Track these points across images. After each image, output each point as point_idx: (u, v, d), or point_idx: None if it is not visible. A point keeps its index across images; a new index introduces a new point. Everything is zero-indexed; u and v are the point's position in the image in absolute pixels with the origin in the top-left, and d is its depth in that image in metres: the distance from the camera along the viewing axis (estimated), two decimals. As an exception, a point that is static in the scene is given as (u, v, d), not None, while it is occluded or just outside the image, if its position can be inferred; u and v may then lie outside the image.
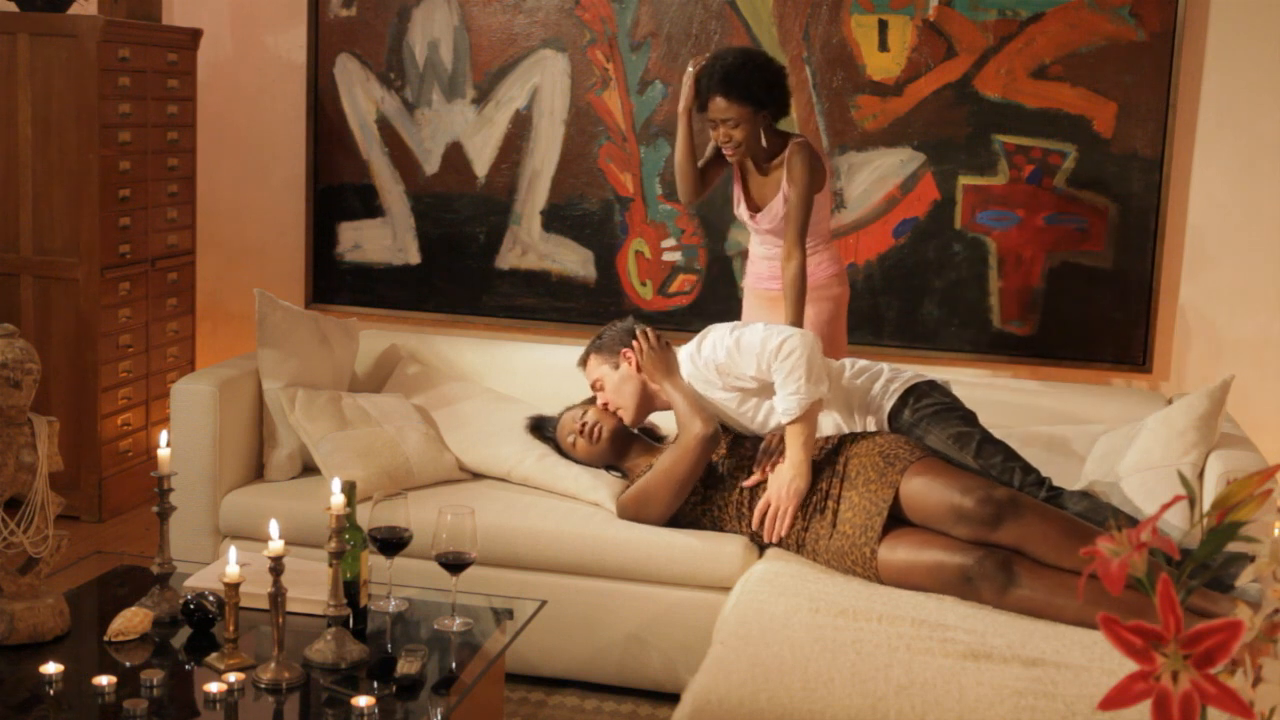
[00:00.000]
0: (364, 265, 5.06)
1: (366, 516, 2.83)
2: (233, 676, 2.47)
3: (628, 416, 3.61)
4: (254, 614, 2.68)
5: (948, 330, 4.60)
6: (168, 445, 2.80)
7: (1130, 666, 1.10)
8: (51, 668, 2.45)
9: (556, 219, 4.87)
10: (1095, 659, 2.64)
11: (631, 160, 4.77)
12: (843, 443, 3.35)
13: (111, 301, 4.60)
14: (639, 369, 3.57)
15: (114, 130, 4.55)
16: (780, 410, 3.31)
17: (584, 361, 3.68)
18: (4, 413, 2.58)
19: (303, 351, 3.84)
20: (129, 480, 4.72)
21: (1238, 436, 3.46)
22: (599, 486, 3.57)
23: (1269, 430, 4.34)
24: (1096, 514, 3.11)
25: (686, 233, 4.76)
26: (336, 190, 5.06)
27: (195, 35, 4.93)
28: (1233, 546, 1.25)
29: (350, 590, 2.70)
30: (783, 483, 3.27)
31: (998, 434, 3.36)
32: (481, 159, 4.91)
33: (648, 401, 3.61)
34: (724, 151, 3.78)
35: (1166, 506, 1.28)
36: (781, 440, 3.34)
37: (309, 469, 3.78)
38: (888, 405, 3.40)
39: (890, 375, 3.48)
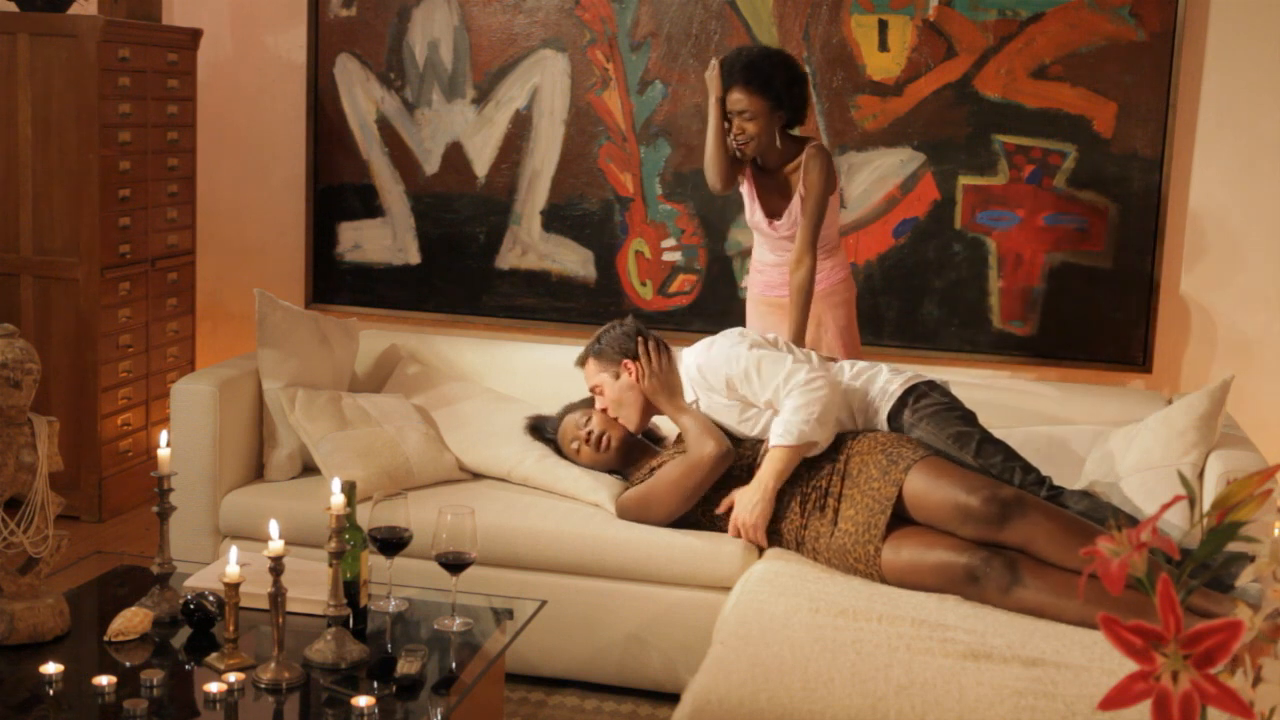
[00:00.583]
0: (364, 265, 5.06)
1: (366, 516, 2.83)
2: (233, 676, 2.47)
3: (631, 424, 3.60)
4: (254, 614, 2.68)
5: (948, 330, 4.60)
6: (168, 445, 2.80)
7: (1130, 666, 1.10)
8: (51, 668, 2.45)
9: (556, 219, 4.87)
10: (1095, 659, 2.64)
11: (631, 160, 4.77)
12: (844, 440, 3.35)
13: (111, 301, 4.60)
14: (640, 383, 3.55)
15: (114, 130, 4.55)
16: (778, 431, 3.28)
17: (582, 362, 3.65)
18: (4, 413, 2.58)
19: (303, 351, 3.84)
20: (129, 480, 4.72)
21: (1238, 436, 3.46)
22: (599, 487, 3.57)
23: (1269, 430, 4.34)
24: (1097, 514, 3.11)
25: (686, 233, 4.76)
26: (336, 190, 5.06)
27: (195, 35, 4.93)
28: (1233, 546, 1.25)
29: (350, 590, 2.70)
30: (747, 506, 3.29)
31: (998, 434, 3.36)
32: (481, 159, 4.91)
33: (650, 409, 3.60)
34: (736, 145, 3.76)
35: (1166, 506, 1.28)
36: None
37: (309, 469, 3.78)
38: (887, 405, 3.40)
39: (890, 375, 3.47)
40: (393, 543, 2.81)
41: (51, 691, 2.44)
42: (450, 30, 4.87)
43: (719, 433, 3.38)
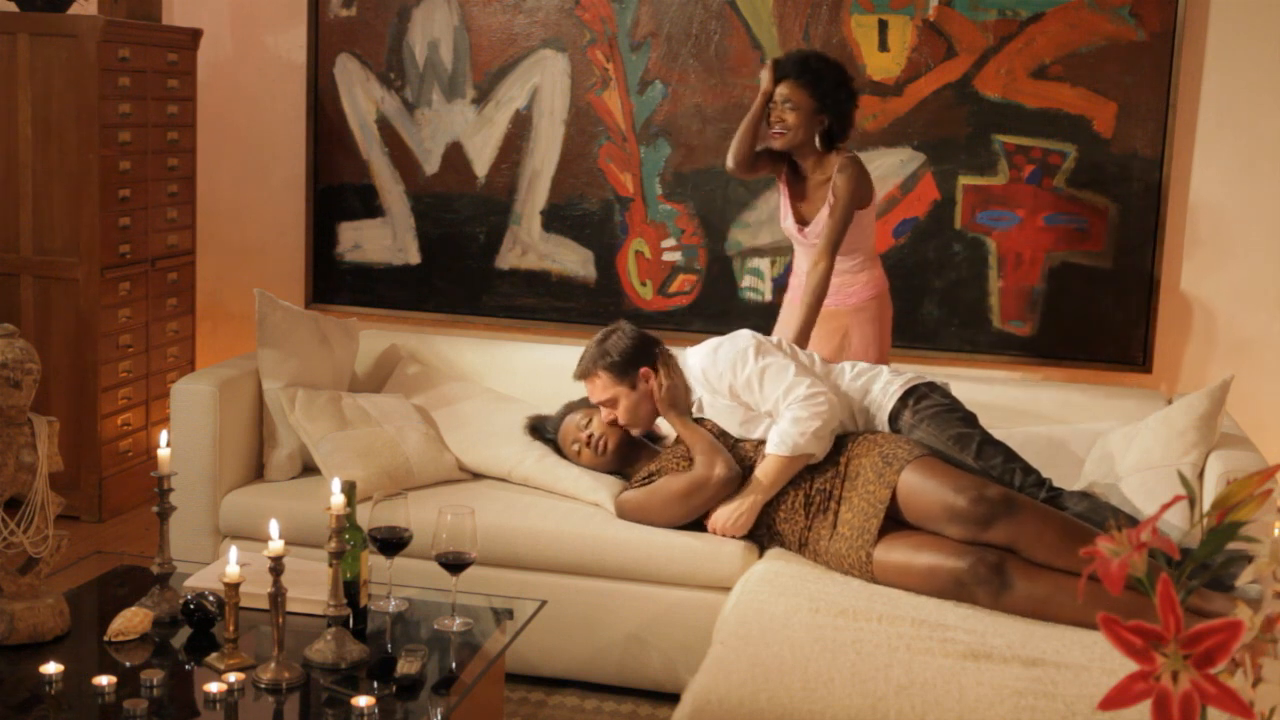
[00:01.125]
0: (364, 265, 5.06)
1: (366, 516, 2.83)
2: (233, 676, 2.47)
3: (639, 431, 3.61)
4: (254, 614, 2.68)
5: (948, 330, 4.60)
6: (168, 445, 2.80)
7: (1130, 666, 1.10)
8: (51, 668, 2.45)
9: (556, 219, 4.87)
10: (1095, 659, 2.64)
11: (631, 160, 4.77)
12: (844, 442, 3.35)
13: (111, 301, 4.60)
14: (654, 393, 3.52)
15: (114, 130, 4.55)
16: (774, 440, 3.29)
17: (586, 376, 3.56)
18: (4, 413, 2.58)
19: (303, 351, 3.84)
20: (129, 480, 4.72)
21: (1238, 436, 3.46)
22: (599, 487, 3.57)
23: (1269, 430, 4.34)
24: (1096, 514, 3.11)
25: (686, 233, 4.76)
26: (336, 190, 5.06)
27: (195, 35, 4.93)
28: (1233, 546, 1.25)
29: (350, 590, 2.70)
30: (727, 512, 3.32)
31: (998, 434, 3.36)
32: (481, 159, 4.91)
33: (656, 414, 3.60)
34: (773, 132, 3.77)
35: (1166, 506, 1.28)
36: None
37: (309, 469, 3.78)
38: (888, 406, 3.40)
39: (890, 376, 3.47)
40: (393, 543, 2.81)
41: (51, 691, 2.44)
42: (450, 30, 4.87)
43: (728, 455, 3.38)
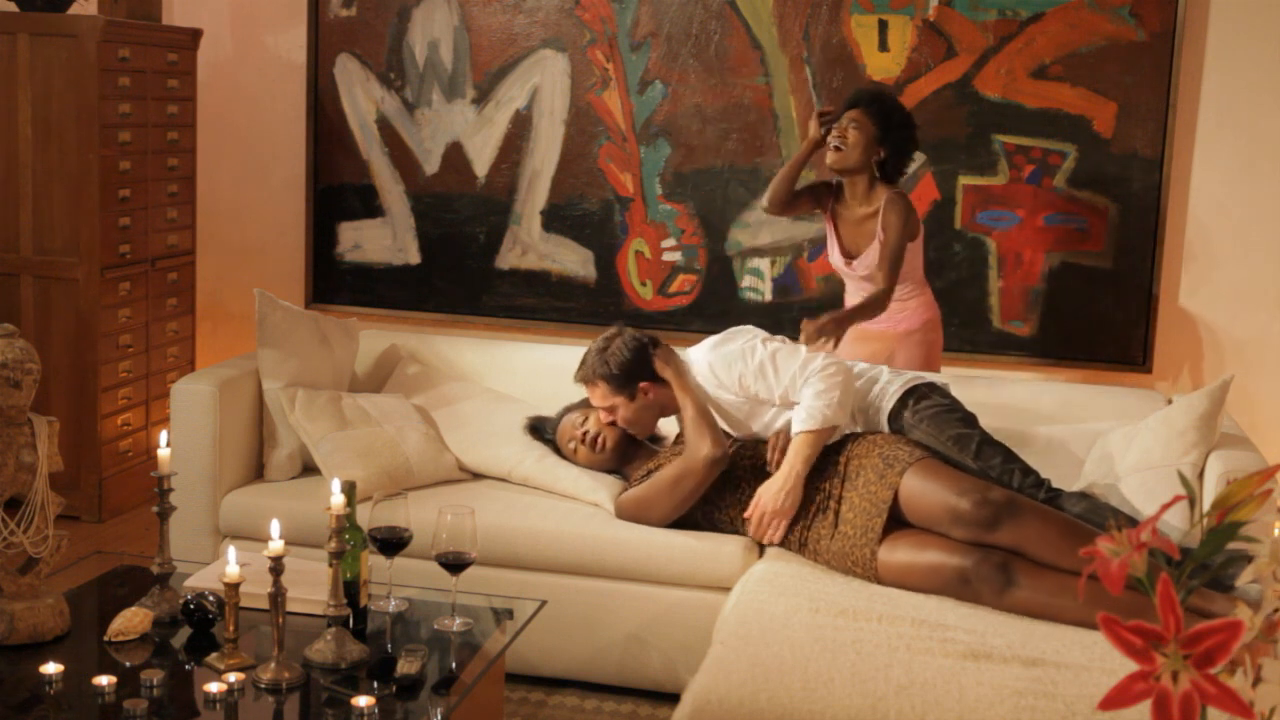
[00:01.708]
0: (364, 265, 5.06)
1: (366, 516, 2.83)
2: (233, 676, 2.47)
3: (640, 435, 3.62)
4: (254, 614, 2.67)
5: (948, 330, 4.58)
6: (168, 445, 2.80)
7: (1130, 666, 1.10)
8: (51, 668, 2.45)
9: (556, 219, 4.87)
10: (1095, 659, 2.64)
11: (631, 160, 4.77)
12: (844, 442, 3.35)
13: (111, 301, 4.60)
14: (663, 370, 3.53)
15: (114, 130, 4.55)
16: (801, 418, 3.28)
17: (587, 381, 3.55)
18: (4, 413, 2.58)
19: (303, 351, 3.83)
20: (129, 480, 4.72)
21: (1238, 436, 3.46)
22: (599, 487, 3.57)
23: (1269, 430, 4.34)
24: (1096, 515, 3.11)
25: (686, 233, 4.76)
26: (336, 190, 5.06)
27: (195, 35, 4.93)
28: (1233, 546, 1.25)
29: (350, 590, 2.70)
30: (774, 492, 3.27)
31: (997, 435, 3.36)
32: (481, 159, 4.91)
33: (657, 418, 3.61)
34: (830, 147, 3.86)
35: (1166, 506, 1.28)
36: (786, 438, 3.33)
37: (309, 469, 3.78)
38: (888, 407, 3.40)
39: (890, 377, 3.48)
40: (393, 543, 2.81)
41: (51, 691, 2.44)
42: (450, 30, 4.87)
43: (717, 431, 3.37)
